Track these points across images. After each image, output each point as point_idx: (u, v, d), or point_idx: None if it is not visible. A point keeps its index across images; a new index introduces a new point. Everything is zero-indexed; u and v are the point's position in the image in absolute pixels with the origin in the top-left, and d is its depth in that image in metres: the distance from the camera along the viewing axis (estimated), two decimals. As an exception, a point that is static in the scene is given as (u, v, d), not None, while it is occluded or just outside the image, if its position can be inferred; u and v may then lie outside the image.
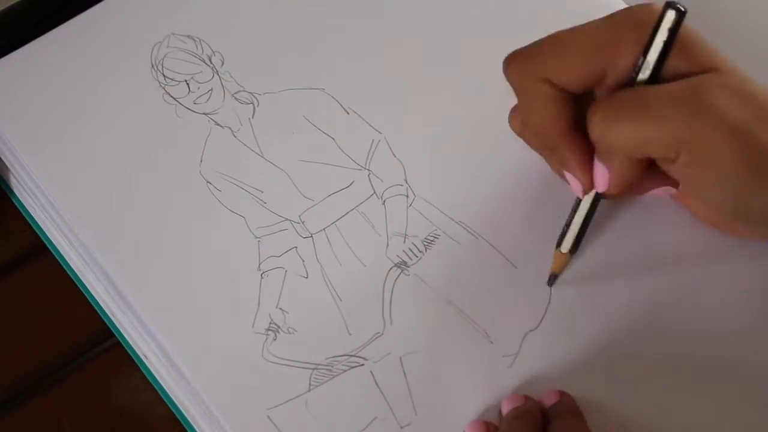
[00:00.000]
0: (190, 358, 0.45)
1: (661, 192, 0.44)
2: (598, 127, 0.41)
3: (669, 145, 0.40)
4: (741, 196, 0.41)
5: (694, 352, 0.46)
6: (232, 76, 0.51)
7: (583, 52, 0.42)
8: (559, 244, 0.46)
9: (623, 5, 0.53)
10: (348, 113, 0.51)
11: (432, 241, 0.48)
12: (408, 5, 0.53)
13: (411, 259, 0.47)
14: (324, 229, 0.48)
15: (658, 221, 0.48)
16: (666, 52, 0.40)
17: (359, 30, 0.53)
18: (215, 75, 0.51)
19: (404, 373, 0.45)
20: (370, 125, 0.50)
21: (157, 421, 0.47)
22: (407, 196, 0.49)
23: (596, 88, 0.43)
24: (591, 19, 0.42)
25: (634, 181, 0.42)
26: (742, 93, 0.40)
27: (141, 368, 0.47)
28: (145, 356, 0.47)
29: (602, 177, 0.42)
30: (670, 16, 0.40)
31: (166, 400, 0.46)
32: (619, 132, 0.40)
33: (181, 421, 0.46)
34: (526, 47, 0.43)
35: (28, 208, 0.50)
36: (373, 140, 0.50)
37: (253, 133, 0.50)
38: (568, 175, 0.43)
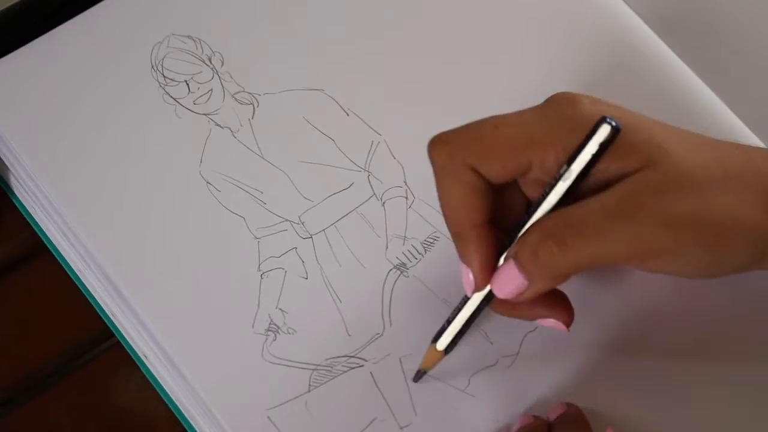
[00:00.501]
0: (190, 358, 0.45)
1: (551, 324, 0.43)
2: (546, 251, 0.39)
3: (619, 258, 0.39)
4: (701, 268, 0.41)
5: (692, 353, 0.46)
6: (231, 77, 0.51)
7: (516, 147, 0.40)
8: (435, 339, 0.43)
9: (623, 6, 0.54)
10: (348, 114, 0.51)
11: (431, 243, 0.48)
12: (408, 6, 0.53)
13: (410, 261, 0.48)
14: (324, 230, 0.48)
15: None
16: (593, 163, 0.39)
17: (359, 31, 0.53)
18: (215, 75, 0.52)
19: (404, 373, 0.45)
20: (369, 127, 0.50)
21: (157, 421, 0.47)
22: (407, 197, 0.49)
23: (518, 180, 0.42)
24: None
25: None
26: (680, 182, 0.39)
27: (141, 368, 0.47)
28: (145, 356, 0.47)
29: (514, 285, 0.40)
30: (604, 131, 0.38)
31: (166, 400, 0.46)
32: (568, 257, 0.39)
33: (181, 421, 0.46)
34: (455, 130, 0.42)
35: (28, 208, 0.50)
36: (372, 142, 0.50)
37: (253, 133, 0.50)
38: (462, 268, 0.42)
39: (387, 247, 0.48)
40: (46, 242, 0.50)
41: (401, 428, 0.44)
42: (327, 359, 0.45)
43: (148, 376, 0.47)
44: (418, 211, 0.48)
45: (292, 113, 0.51)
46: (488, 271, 0.41)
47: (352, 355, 0.46)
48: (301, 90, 0.51)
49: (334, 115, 0.51)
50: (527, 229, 0.40)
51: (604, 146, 0.39)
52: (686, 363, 0.46)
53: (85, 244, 0.48)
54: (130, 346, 0.48)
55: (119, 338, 0.48)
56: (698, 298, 0.47)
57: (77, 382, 0.48)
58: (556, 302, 0.42)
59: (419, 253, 0.48)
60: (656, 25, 0.53)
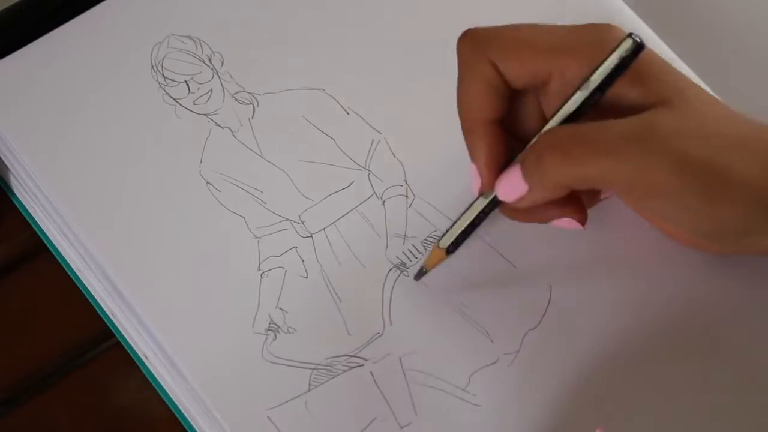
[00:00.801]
0: (189, 358, 0.45)
1: (566, 224, 0.43)
2: (550, 158, 0.40)
3: (621, 182, 0.40)
4: (698, 219, 0.41)
5: (693, 350, 0.46)
6: (231, 77, 0.52)
7: (537, 49, 0.42)
8: (440, 240, 0.45)
9: (623, 5, 0.54)
10: (348, 113, 0.51)
11: (432, 242, 0.48)
12: (408, 6, 0.53)
13: (410, 260, 0.47)
14: (324, 229, 0.48)
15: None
16: (613, 77, 0.40)
17: (359, 30, 0.53)
18: (215, 75, 0.52)
19: (404, 373, 0.45)
20: (370, 125, 0.50)
21: (157, 421, 0.47)
22: (407, 196, 0.49)
23: (538, 92, 0.43)
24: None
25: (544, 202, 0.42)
26: (698, 129, 0.40)
27: (141, 368, 0.47)
28: (145, 356, 0.47)
29: (515, 188, 0.41)
30: (627, 44, 0.39)
31: (165, 400, 0.47)
32: (570, 167, 0.39)
33: (181, 421, 0.46)
34: (485, 27, 0.43)
35: (28, 208, 0.50)
36: (373, 140, 0.50)
37: (253, 133, 0.50)
38: (472, 169, 0.43)
39: (387, 246, 0.48)
40: (46, 242, 0.50)
41: (401, 428, 0.44)
42: (327, 359, 0.45)
43: (148, 376, 0.47)
44: (418, 210, 0.48)
45: (292, 113, 0.51)
46: (494, 170, 0.42)
47: (352, 354, 0.46)
48: (301, 89, 0.51)
49: (334, 114, 0.51)
50: (537, 137, 0.41)
51: (626, 60, 0.39)
52: (687, 360, 0.46)
53: (85, 244, 0.48)
54: (130, 346, 0.48)
55: (119, 338, 0.48)
56: (703, 297, 0.47)
57: (77, 382, 0.48)
58: (568, 202, 0.43)
59: (419, 252, 0.48)
60: (656, 25, 0.54)
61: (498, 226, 0.48)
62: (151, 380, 0.47)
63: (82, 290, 0.49)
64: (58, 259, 0.50)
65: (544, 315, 0.46)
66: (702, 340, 0.46)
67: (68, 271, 0.49)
